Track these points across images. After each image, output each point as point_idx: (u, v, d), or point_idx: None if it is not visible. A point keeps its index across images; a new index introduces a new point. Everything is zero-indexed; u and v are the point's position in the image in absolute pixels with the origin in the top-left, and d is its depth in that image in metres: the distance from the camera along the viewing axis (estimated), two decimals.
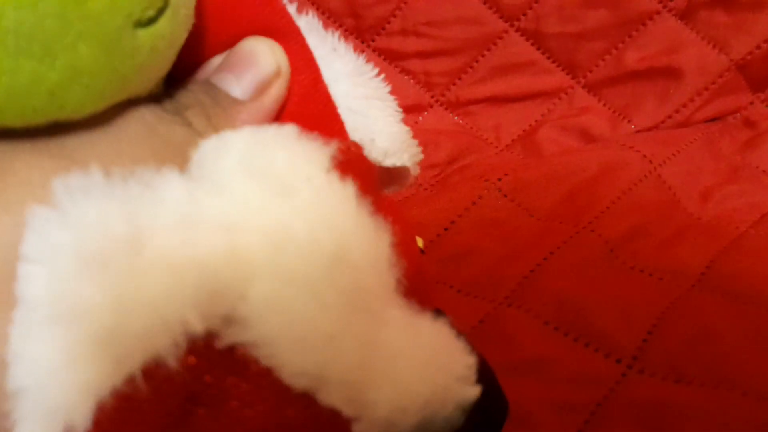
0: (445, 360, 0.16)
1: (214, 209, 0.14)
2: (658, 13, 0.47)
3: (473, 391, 0.16)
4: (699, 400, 0.31)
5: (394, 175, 0.23)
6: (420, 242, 0.26)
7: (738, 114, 0.50)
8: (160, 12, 0.15)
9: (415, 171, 0.23)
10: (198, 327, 0.13)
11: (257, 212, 0.15)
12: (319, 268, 0.15)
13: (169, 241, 0.14)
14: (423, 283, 0.21)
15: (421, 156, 0.23)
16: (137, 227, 0.13)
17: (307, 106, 0.19)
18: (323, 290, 0.15)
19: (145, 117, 0.17)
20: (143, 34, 0.15)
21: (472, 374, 0.17)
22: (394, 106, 0.23)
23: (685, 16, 0.47)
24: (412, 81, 0.52)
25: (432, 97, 0.53)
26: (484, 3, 0.49)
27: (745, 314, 0.35)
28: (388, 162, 0.22)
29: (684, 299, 0.36)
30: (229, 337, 0.14)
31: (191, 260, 0.14)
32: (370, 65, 0.22)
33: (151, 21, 0.15)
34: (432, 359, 0.16)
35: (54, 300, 0.13)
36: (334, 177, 0.16)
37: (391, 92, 0.54)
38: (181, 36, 0.16)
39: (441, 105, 0.53)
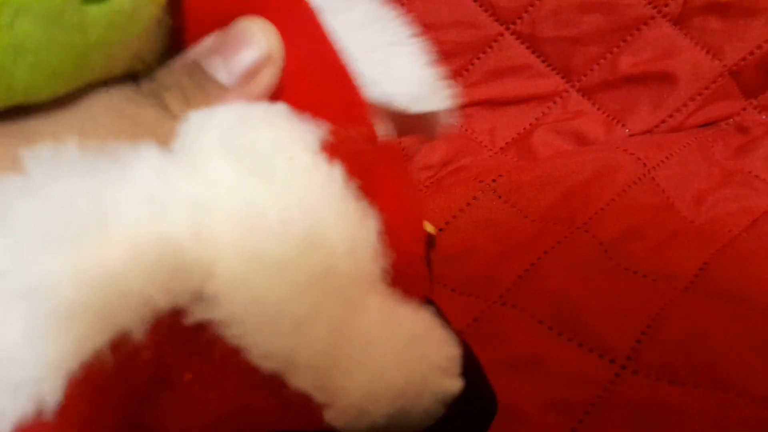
0: (425, 350, 0.16)
1: (185, 187, 0.14)
2: (652, 18, 0.48)
3: (455, 384, 0.16)
4: (693, 400, 0.31)
5: (425, 122, 0.22)
6: (430, 228, 0.26)
7: (731, 120, 0.51)
8: None
9: (446, 118, 0.22)
10: (161, 302, 0.13)
11: (229, 191, 0.14)
12: (290, 250, 0.14)
13: (135, 217, 0.13)
14: (417, 272, 0.21)
15: (453, 100, 0.22)
16: (103, 202, 0.13)
17: (310, 80, 0.18)
18: (293, 272, 0.14)
19: (112, 98, 0.16)
20: (95, 9, 0.14)
21: (454, 366, 0.16)
22: (418, 48, 0.21)
23: (679, 21, 0.47)
24: None
25: None
26: (480, 6, 0.50)
27: (738, 316, 0.35)
28: (418, 108, 0.20)
29: (677, 301, 0.36)
30: (197, 314, 0.14)
31: (156, 236, 0.13)
32: (388, 9, 0.21)
33: None
34: (410, 348, 0.16)
35: (18, 274, 0.12)
36: (321, 159, 0.16)
37: None
38: (148, 10, 0.16)
39: None
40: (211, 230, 0.14)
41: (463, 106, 0.52)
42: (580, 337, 0.35)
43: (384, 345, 0.15)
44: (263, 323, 0.14)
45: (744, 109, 0.49)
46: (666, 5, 0.47)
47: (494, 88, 0.51)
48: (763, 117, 0.49)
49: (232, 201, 0.14)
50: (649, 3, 0.47)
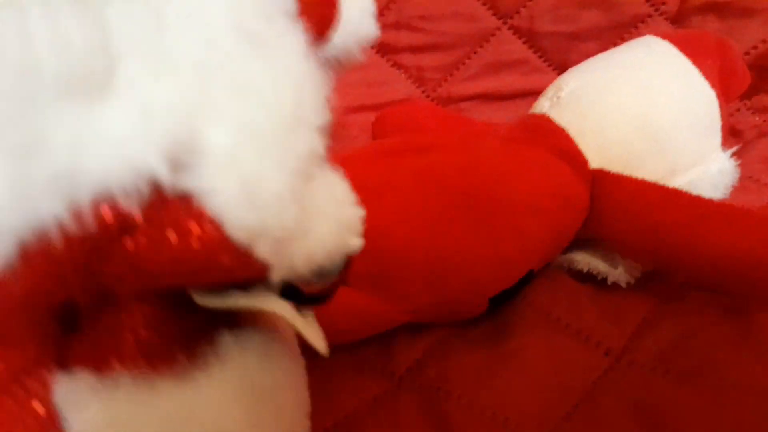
0: (346, 214, 0.17)
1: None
2: (650, 16, 0.48)
3: (358, 242, 0.18)
4: (687, 392, 0.31)
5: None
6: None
7: None
8: None
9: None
10: (159, 168, 0.13)
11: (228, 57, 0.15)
12: (281, 125, 0.15)
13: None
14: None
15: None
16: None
17: None
18: (280, 149, 0.15)
19: None
20: None
21: (360, 226, 0.18)
22: None
23: (677, 20, 0.48)
24: (403, 75, 0.52)
25: (423, 92, 0.52)
26: None
27: (733, 310, 0.35)
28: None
29: (673, 296, 0.36)
30: (185, 183, 0.14)
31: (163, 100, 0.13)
32: None
33: None
34: (339, 214, 0.17)
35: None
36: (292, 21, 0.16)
37: (383, 86, 0.52)
38: None
39: (432, 100, 0.52)
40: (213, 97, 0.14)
41: (459, 100, 0.52)
42: (577, 326, 0.34)
43: (326, 214, 0.16)
44: (245, 197, 0.14)
45: (738, 110, 0.49)
46: (664, 4, 0.47)
47: (491, 82, 0.51)
48: (757, 118, 0.49)
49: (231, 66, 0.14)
50: (647, 1, 0.47)
